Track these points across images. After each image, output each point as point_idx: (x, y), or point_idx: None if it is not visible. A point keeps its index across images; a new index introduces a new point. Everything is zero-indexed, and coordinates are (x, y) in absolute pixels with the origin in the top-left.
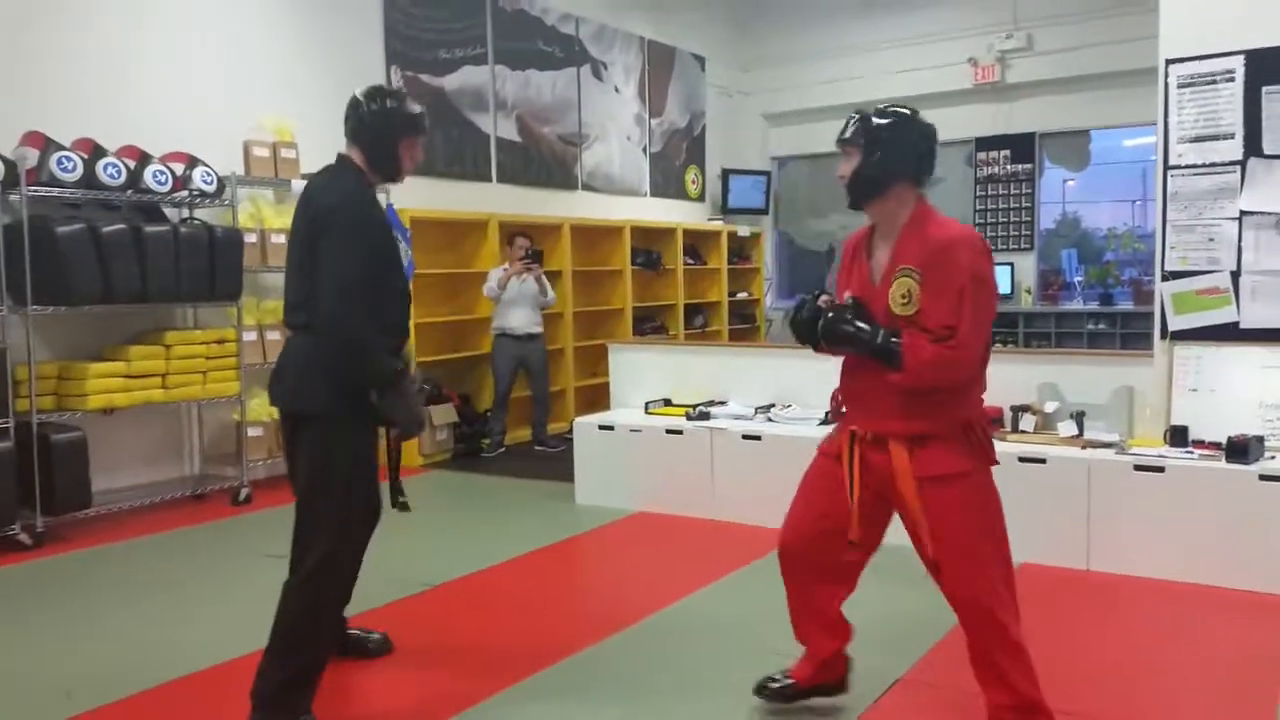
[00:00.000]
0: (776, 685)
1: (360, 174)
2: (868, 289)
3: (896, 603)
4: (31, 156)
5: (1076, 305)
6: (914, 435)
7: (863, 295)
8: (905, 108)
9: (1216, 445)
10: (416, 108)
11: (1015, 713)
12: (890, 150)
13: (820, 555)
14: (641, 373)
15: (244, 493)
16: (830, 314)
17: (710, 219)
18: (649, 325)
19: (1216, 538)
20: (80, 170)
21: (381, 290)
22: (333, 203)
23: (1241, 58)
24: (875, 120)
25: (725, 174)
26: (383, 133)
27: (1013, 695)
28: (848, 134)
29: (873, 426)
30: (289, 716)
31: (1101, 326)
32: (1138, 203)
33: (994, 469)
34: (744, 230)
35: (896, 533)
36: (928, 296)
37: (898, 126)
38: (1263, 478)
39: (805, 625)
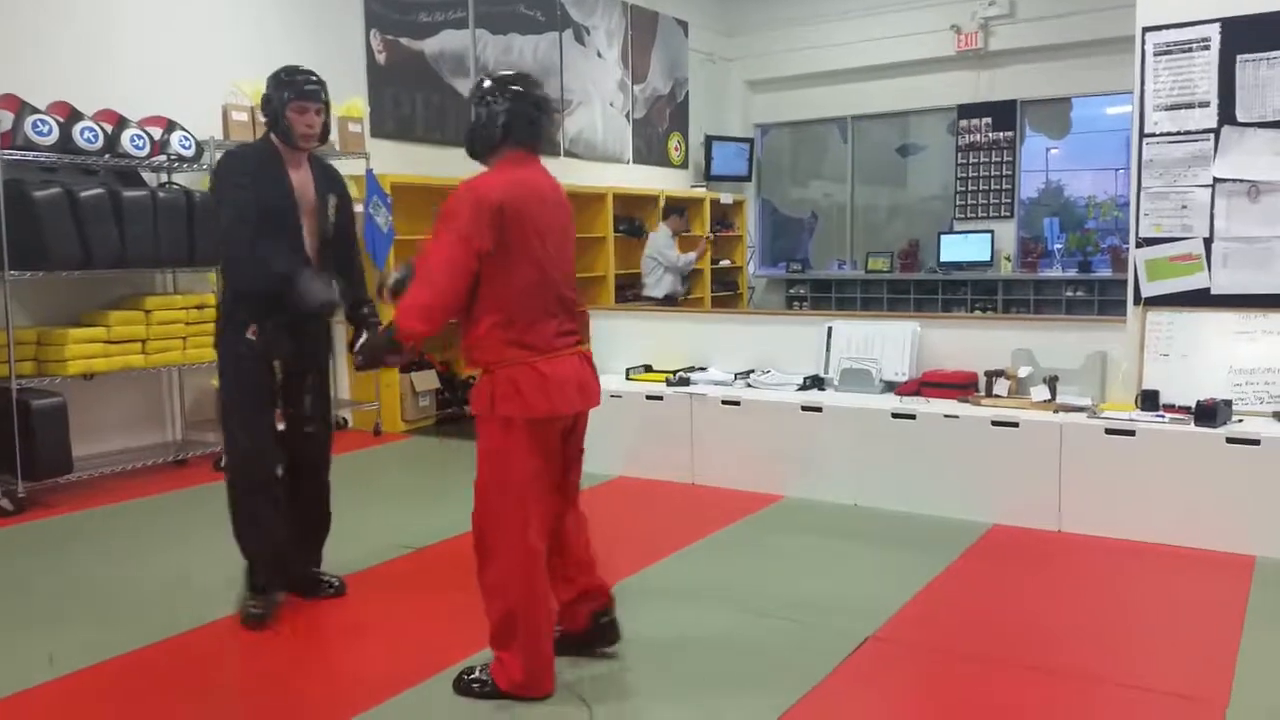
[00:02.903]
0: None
1: (265, 138)
2: None
3: (866, 565)
4: (5, 120)
5: (1055, 273)
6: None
7: None
8: (526, 76)
9: (1186, 409)
10: (299, 76)
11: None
12: (500, 115)
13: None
14: (623, 339)
15: (225, 458)
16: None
17: (693, 186)
18: (631, 292)
19: (1185, 499)
20: (56, 134)
21: (255, 225)
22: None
23: (1217, 25)
24: (494, 86)
25: (708, 141)
26: (269, 97)
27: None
28: (472, 95)
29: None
30: (250, 592)
31: (1079, 294)
32: (1120, 171)
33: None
34: (727, 197)
35: (860, 495)
36: None
37: (511, 96)
38: (1230, 440)
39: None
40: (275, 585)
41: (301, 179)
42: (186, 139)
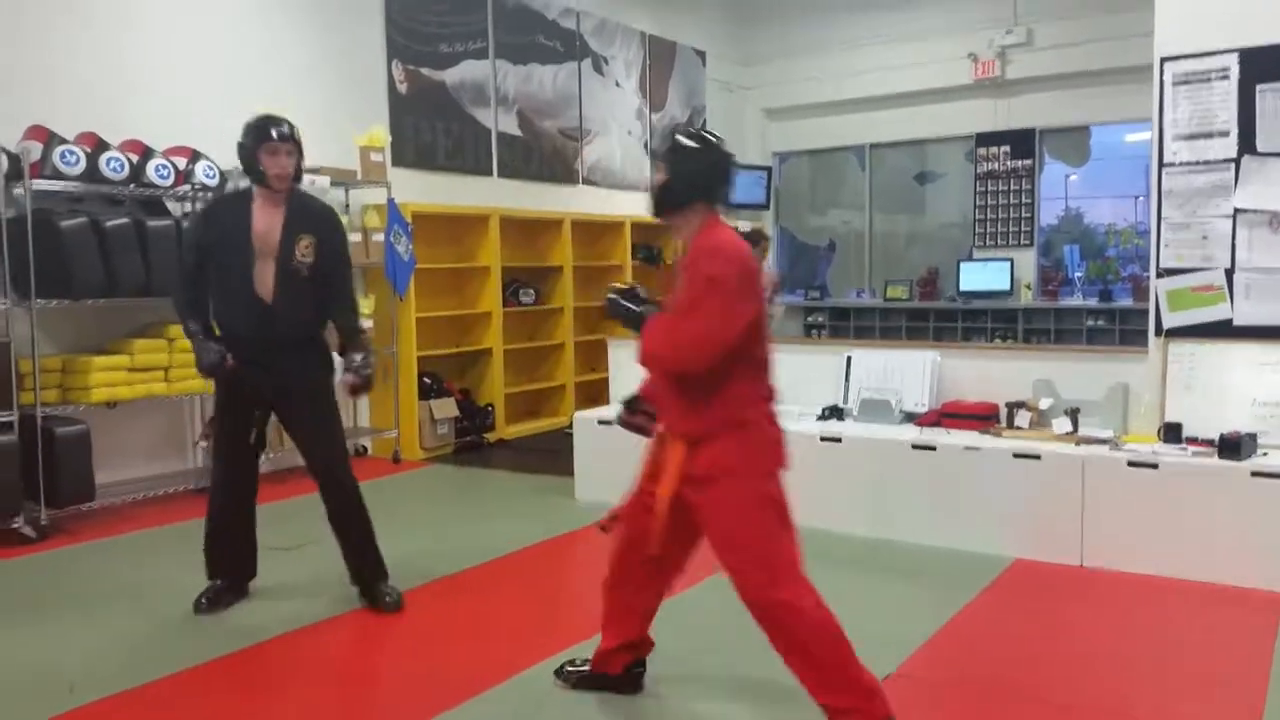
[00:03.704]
0: (574, 670)
1: (249, 185)
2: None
3: (887, 599)
4: (35, 150)
5: (1076, 301)
6: (688, 433)
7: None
8: (713, 135)
9: (1210, 442)
10: (268, 121)
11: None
12: (692, 173)
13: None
14: (639, 368)
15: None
16: (613, 294)
17: None
18: None
19: (1209, 534)
20: (83, 164)
21: (204, 264)
22: None
23: (1236, 55)
24: (681, 145)
25: None
26: (243, 144)
27: (833, 695)
28: (661, 153)
29: (664, 423)
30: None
31: (1100, 323)
32: (1140, 198)
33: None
34: (744, 225)
35: (880, 528)
36: (677, 293)
37: (701, 154)
38: (1255, 474)
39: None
40: (221, 582)
41: (269, 221)
42: (210, 169)
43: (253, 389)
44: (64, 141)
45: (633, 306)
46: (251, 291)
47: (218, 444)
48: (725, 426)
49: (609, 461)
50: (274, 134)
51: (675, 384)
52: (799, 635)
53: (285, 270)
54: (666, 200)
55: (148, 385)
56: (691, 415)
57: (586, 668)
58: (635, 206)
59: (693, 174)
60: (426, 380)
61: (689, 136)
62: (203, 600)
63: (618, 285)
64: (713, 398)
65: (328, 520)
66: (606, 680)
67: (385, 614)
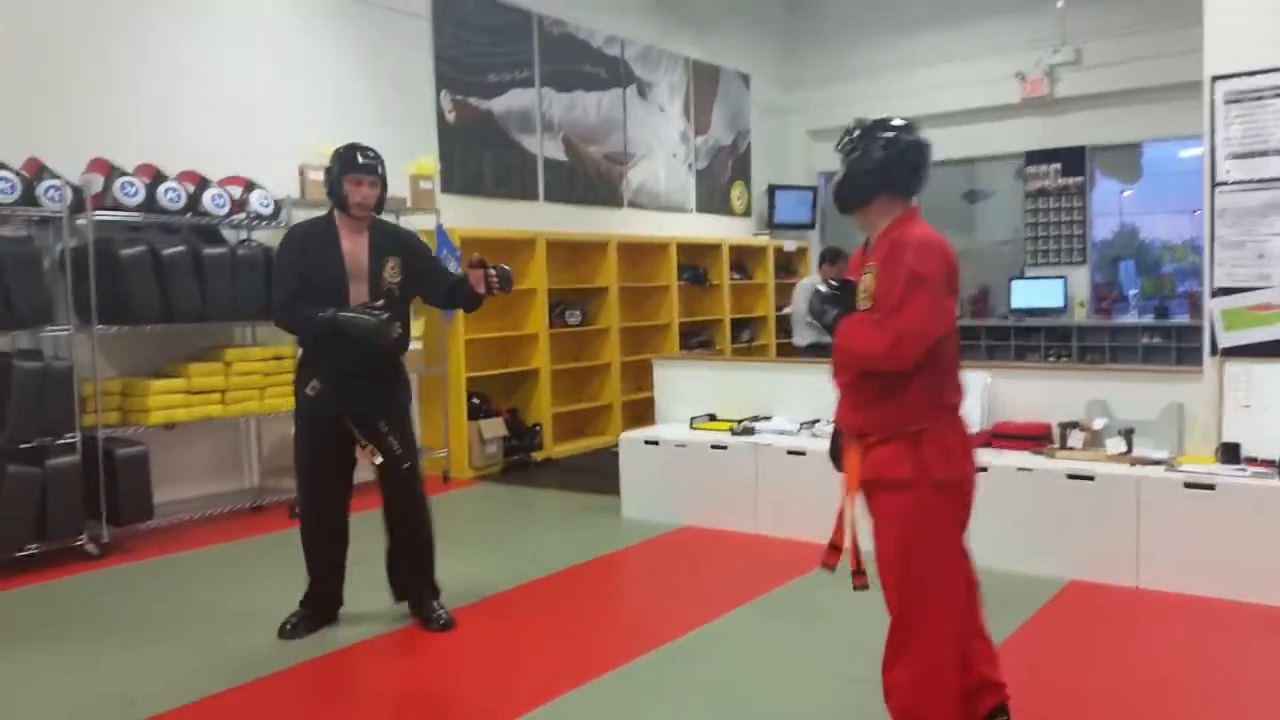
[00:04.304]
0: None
1: (330, 211)
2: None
3: None
4: (96, 182)
5: (1131, 319)
6: (862, 434)
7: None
8: (899, 121)
9: (1269, 463)
10: (356, 152)
11: None
12: (872, 163)
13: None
14: (686, 388)
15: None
16: (818, 290)
17: (756, 234)
18: (695, 340)
19: (1268, 556)
20: (142, 195)
21: (301, 287)
22: None
23: None
24: (862, 134)
25: (771, 189)
26: (329, 170)
27: None
28: (840, 144)
29: (840, 422)
30: (299, 606)
31: (1157, 340)
32: (1196, 213)
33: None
34: (790, 245)
35: None
36: (878, 289)
37: (884, 142)
38: None
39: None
40: (312, 607)
41: (356, 246)
42: (265, 198)
43: (338, 414)
44: (124, 174)
45: (826, 305)
46: (336, 284)
47: (303, 459)
48: (897, 430)
49: (655, 480)
50: (359, 163)
51: (856, 382)
52: (919, 654)
53: (376, 292)
54: (847, 194)
55: (205, 408)
56: (865, 414)
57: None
58: (681, 228)
59: (876, 165)
60: (475, 400)
61: (871, 128)
62: (289, 623)
63: (831, 281)
64: (890, 399)
65: (394, 539)
66: None
67: (435, 633)
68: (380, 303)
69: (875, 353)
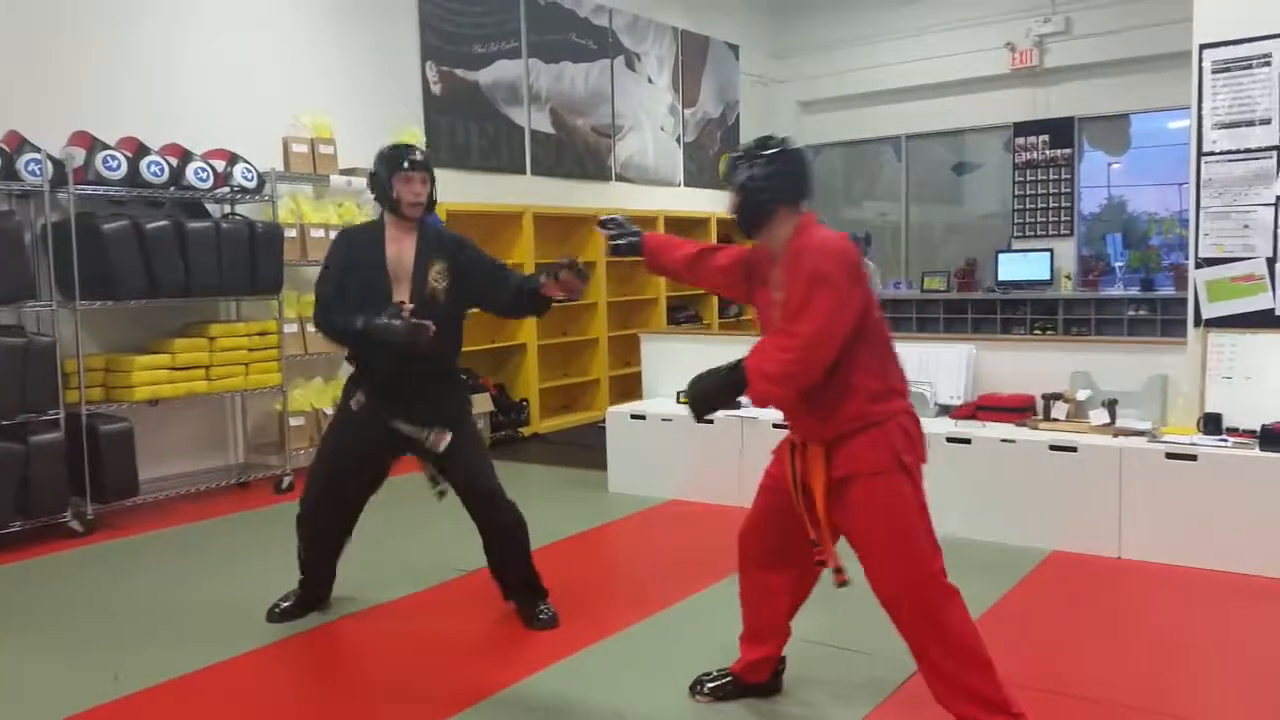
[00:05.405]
0: (713, 682)
1: (380, 216)
2: (774, 308)
3: None
4: (78, 156)
5: (1117, 291)
6: (827, 440)
7: (771, 313)
8: (775, 137)
9: (1251, 433)
10: (403, 149)
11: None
12: (763, 181)
13: (779, 541)
14: (673, 362)
15: (286, 481)
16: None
17: None
18: (683, 315)
19: (1249, 526)
20: (125, 168)
21: (341, 291)
22: None
23: (1277, 42)
24: (746, 158)
25: None
26: (375, 174)
27: (970, 701)
28: (726, 174)
29: (799, 436)
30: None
31: (1142, 312)
32: (1184, 185)
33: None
34: None
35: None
36: (786, 297)
37: (766, 159)
38: None
39: (750, 619)
40: (302, 596)
41: (401, 250)
42: (249, 171)
43: (388, 424)
44: (106, 147)
45: (717, 382)
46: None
47: (328, 462)
48: (865, 423)
49: (641, 455)
50: (407, 163)
51: (806, 393)
52: (945, 628)
53: (420, 297)
54: (750, 215)
55: (189, 384)
56: (833, 420)
57: (730, 677)
58: (670, 201)
59: (766, 182)
60: (461, 376)
61: (751, 152)
62: (278, 606)
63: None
64: (841, 399)
65: (485, 543)
66: (757, 688)
67: (538, 631)
68: (410, 305)
69: (787, 372)
